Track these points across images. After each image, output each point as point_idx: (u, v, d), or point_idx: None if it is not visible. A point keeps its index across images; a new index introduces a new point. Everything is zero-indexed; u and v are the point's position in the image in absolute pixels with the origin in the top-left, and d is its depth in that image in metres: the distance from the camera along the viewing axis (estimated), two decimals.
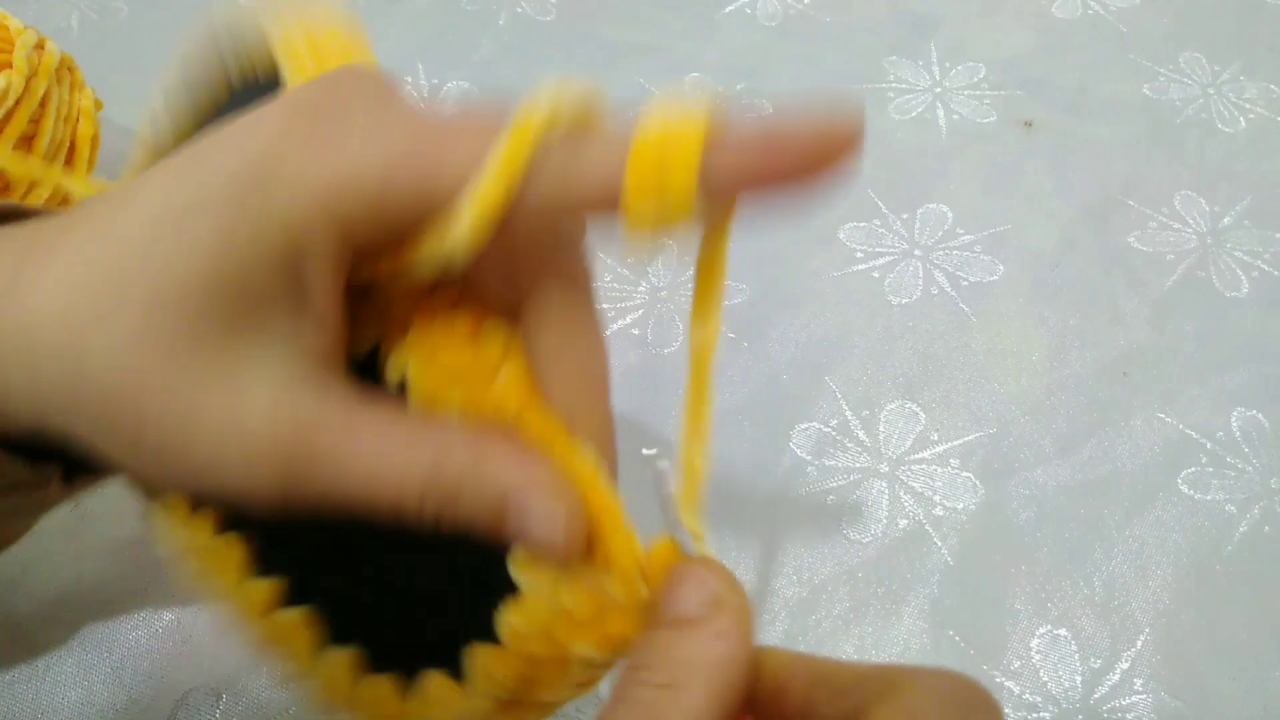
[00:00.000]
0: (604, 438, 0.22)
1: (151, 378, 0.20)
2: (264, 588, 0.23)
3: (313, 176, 0.19)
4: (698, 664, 0.19)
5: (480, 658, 0.21)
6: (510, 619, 0.21)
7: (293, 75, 0.24)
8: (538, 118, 0.19)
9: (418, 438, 0.21)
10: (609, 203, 0.20)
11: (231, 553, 0.23)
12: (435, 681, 0.22)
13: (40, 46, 0.40)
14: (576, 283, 0.23)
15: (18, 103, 0.38)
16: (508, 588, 0.21)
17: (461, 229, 0.19)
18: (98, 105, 0.43)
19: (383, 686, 0.22)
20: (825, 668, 0.20)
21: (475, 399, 0.22)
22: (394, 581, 0.23)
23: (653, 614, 0.21)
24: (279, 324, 0.20)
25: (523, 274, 0.22)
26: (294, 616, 0.23)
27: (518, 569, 0.21)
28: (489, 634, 0.21)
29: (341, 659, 0.23)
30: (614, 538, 0.21)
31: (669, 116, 0.19)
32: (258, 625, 0.23)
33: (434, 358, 0.22)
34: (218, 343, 0.20)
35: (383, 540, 0.22)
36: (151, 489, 0.23)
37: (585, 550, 0.21)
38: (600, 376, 0.23)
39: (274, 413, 0.20)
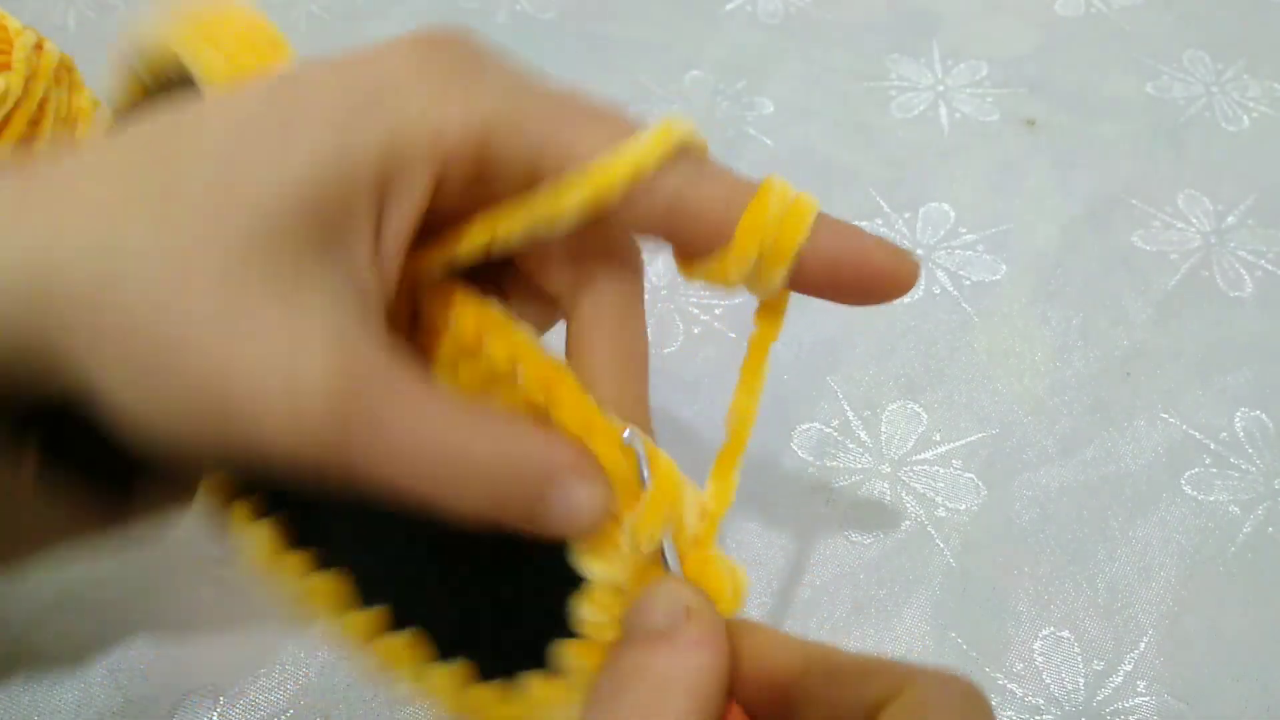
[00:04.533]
0: (643, 422, 0.23)
1: (201, 293, 0.17)
2: (369, 617, 0.23)
3: (433, 107, 0.19)
4: (676, 678, 0.18)
5: (570, 653, 0.21)
6: (584, 613, 0.21)
7: (205, 74, 0.23)
8: (676, 132, 0.21)
9: (463, 418, 0.19)
10: (710, 234, 0.21)
11: (326, 584, 0.23)
12: (538, 682, 0.22)
13: (39, 47, 0.39)
14: (633, 273, 0.24)
15: (17, 105, 0.37)
16: (566, 581, 0.21)
17: (570, 202, 0.20)
18: (95, 105, 0.43)
19: (488, 693, 0.22)
20: (823, 654, 0.19)
21: (501, 402, 0.22)
22: (464, 586, 0.23)
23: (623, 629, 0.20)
24: (353, 259, 0.19)
25: (585, 260, 0.23)
26: (403, 640, 0.23)
27: (583, 561, 0.21)
28: (561, 628, 0.21)
29: (452, 673, 0.23)
30: (667, 509, 0.21)
31: (786, 189, 0.22)
32: (367, 651, 0.23)
33: (454, 373, 0.22)
34: (286, 268, 0.18)
35: (438, 542, 0.23)
36: (154, 437, 0.18)
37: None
38: (643, 364, 0.24)
39: (335, 360, 0.18)
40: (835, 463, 0.39)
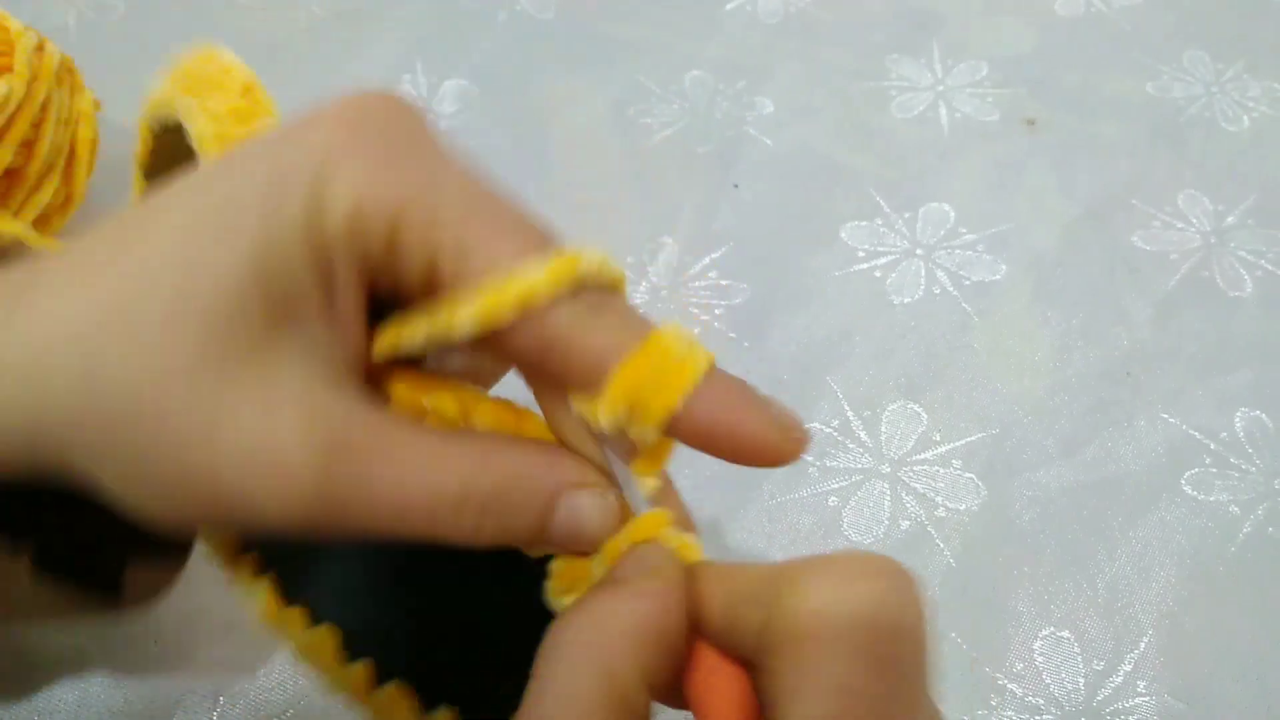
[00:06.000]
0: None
1: (174, 389, 0.18)
2: (362, 671, 0.23)
3: (354, 195, 0.19)
4: (617, 618, 0.19)
5: None
6: None
7: (199, 143, 0.25)
8: (579, 265, 0.19)
9: (450, 451, 0.20)
10: (584, 380, 0.20)
11: (320, 638, 0.23)
12: None
13: (40, 49, 0.39)
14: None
15: (19, 108, 0.37)
16: (539, 621, 0.21)
17: (458, 321, 0.19)
18: (96, 106, 0.43)
19: None
20: (736, 576, 0.20)
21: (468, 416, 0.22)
22: (445, 632, 0.24)
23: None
24: (310, 330, 0.19)
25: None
26: (393, 692, 0.23)
27: (554, 596, 0.21)
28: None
29: None
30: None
31: (677, 343, 0.20)
32: (362, 704, 0.23)
33: (414, 400, 0.22)
34: (248, 349, 0.18)
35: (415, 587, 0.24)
36: (158, 521, 0.20)
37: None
38: None
39: (308, 427, 0.19)
40: (835, 462, 0.39)
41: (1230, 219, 0.47)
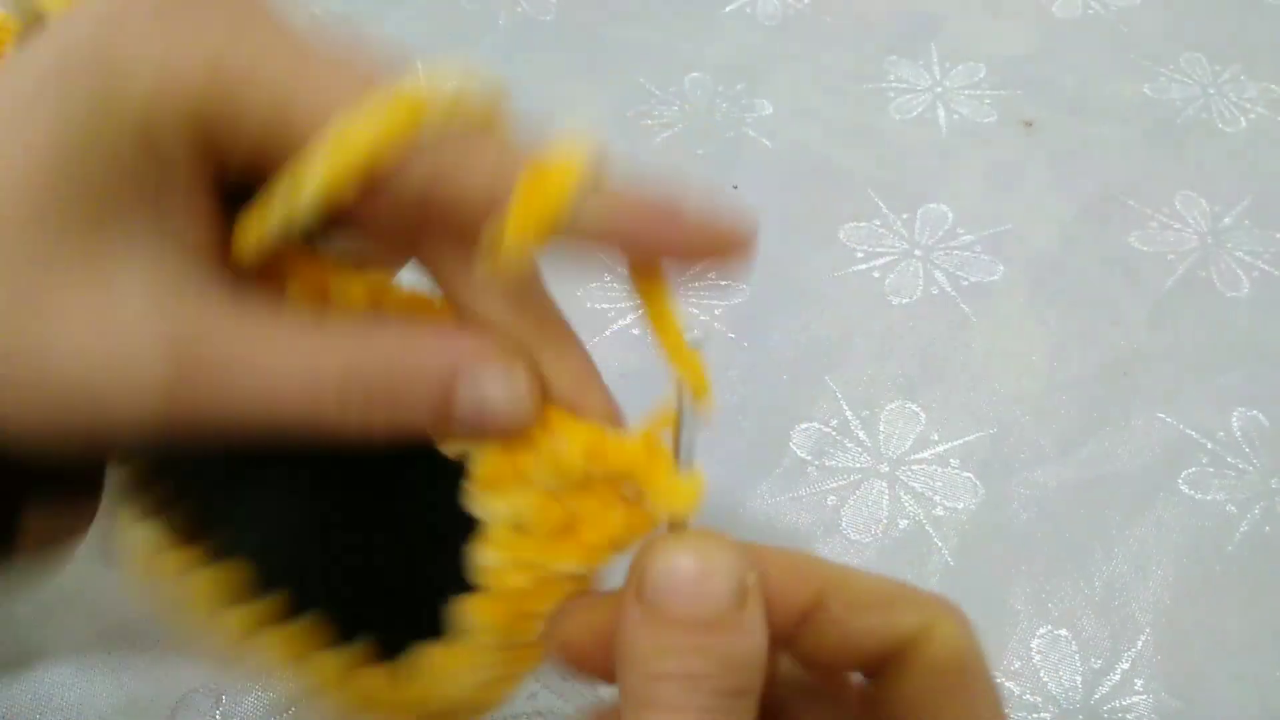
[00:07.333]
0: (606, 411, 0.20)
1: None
2: (262, 607, 0.22)
3: (156, 56, 0.17)
4: (745, 661, 0.18)
5: (470, 612, 0.20)
6: (482, 558, 0.19)
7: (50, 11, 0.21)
8: (439, 98, 0.17)
9: (329, 334, 0.18)
10: (481, 211, 0.17)
11: (214, 577, 0.22)
12: (431, 653, 0.20)
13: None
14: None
15: None
16: (462, 534, 0.19)
17: (308, 187, 0.17)
18: None
19: (374, 677, 0.21)
20: (841, 578, 0.18)
21: (377, 298, 0.19)
22: (363, 557, 0.22)
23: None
24: (146, 215, 0.17)
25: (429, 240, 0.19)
26: (299, 626, 0.22)
27: (474, 498, 0.19)
28: (457, 586, 0.20)
29: (343, 658, 0.21)
30: (569, 432, 0.19)
31: (566, 151, 0.17)
32: (265, 641, 0.22)
33: (316, 291, 0.20)
34: (77, 242, 0.17)
35: (321, 510, 0.21)
36: (17, 434, 0.18)
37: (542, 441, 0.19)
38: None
39: (152, 316, 0.17)
40: (834, 462, 0.39)
41: (1227, 220, 0.48)
